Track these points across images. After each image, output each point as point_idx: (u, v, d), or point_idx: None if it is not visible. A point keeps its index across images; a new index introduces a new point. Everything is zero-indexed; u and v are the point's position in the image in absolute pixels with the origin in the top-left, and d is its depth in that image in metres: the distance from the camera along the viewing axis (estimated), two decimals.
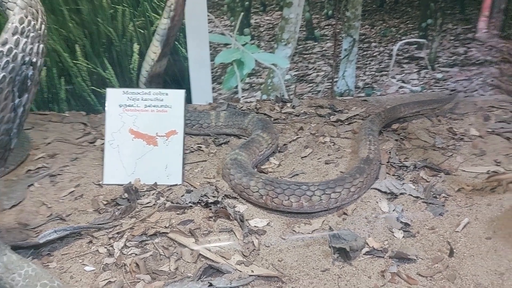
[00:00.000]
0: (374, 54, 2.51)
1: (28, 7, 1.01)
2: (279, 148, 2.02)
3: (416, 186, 1.66)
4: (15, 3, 0.99)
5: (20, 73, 1.02)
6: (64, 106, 2.42)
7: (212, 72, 2.44)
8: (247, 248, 1.40)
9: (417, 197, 1.60)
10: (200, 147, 2.06)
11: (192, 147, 2.06)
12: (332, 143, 2.04)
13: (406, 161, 1.83)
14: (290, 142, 2.08)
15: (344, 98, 2.59)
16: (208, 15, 2.30)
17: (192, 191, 1.66)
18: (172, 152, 1.74)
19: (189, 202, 1.59)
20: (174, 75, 2.44)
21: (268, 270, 1.31)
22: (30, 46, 1.02)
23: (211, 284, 1.22)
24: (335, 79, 2.55)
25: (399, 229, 1.45)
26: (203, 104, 2.49)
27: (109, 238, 1.41)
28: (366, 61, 2.52)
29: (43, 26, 1.05)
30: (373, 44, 2.49)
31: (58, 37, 2.27)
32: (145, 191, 1.68)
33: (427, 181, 1.69)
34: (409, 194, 1.61)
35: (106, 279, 1.27)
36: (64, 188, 1.73)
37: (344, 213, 1.54)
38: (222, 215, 1.53)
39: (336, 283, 1.26)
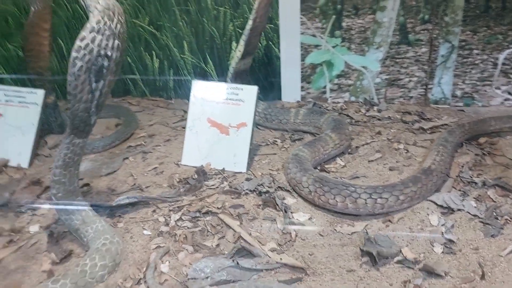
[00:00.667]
0: (476, 62, 2.35)
1: (106, 10, 1.26)
2: (349, 150, 2.05)
3: (479, 205, 1.57)
4: (95, 7, 1.25)
5: (96, 63, 1.27)
6: (171, 94, 2.76)
7: (302, 72, 2.54)
8: (284, 238, 1.50)
9: (474, 215, 1.52)
10: (276, 141, 2.19)
11: (268, 140, 2.20)
12: (406, 151, 2.00)
13: (477, 177, 1.72)
14: (363, 145, 2.09)
15: (439, 106, 2.47)
16: (301, 18, 2.41)
17: (251, 179, 1.81)
18: (241, 143, 1.90)
19: (246, 189, 1.74)
20: (266, 72, 2.60)
21: (296, 261, 1.39)
22: (106, 42, 1.27)
23: (237, 263, 1.36)
24: (429, 86, 2.45)
25: (441, 244, 1.41)
26: (292, 102, 2.61)
27: (169, 210, 1.64)
28: (466, 69, 2.37)
29: (118, 26, 1.29)
30: (475, 51, 2.33)
31: (170, 34, 2.60)
32: (213, 174, 1.88)
33: (494, 201, 1.58)
34: (467, 212, 1.53)
35: (157, 244, 1.48)
36: (151, 164, 2.01)
37: (389, 220, 1.54)
38: (270, 205, 1.64)
39: (356, 284, 1.30)
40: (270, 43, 2.52)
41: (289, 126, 2.27)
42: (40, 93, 2.10)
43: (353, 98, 2.57)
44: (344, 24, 2.41)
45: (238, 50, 2.11)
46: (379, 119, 2.34)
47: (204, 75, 2.66)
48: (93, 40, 1.24)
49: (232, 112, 1.93)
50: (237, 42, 2.53)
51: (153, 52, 2.66)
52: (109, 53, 1.28)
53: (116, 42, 1.29)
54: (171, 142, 2.24)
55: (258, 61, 2.57)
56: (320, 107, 2.52)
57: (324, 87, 2.57)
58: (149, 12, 2.57)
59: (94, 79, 1.29)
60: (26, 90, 2.11)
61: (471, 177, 1.73)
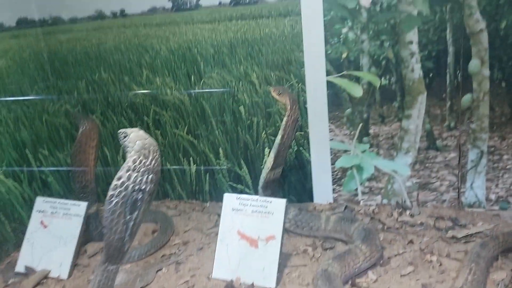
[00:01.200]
0: (508, 167, 2.33)
1: (142, 149, 1.40)
2: (381, 261, 2.03)
3: None
4: (133, 148, 1.39)
5: (131, 198, 1.39)
6: (207, 197, 2.87)
7: (332, 175, 2.60)
8: None
9: None
10: (307, 249, 2.20)
11: (299, 248, 2.22)
12: (439, 264, 1.95)
13: None
14: (395, 255, 2.07)
15: (474, 209, 2.43)
16: (329, 126, 2.51)
17: None
18: (270, 256, 1.93)
19: None
20: (298, 176, 2.68)
21: None
22: (140, 177, 1.39)
23: None
24: (462, 190, 2.43)
25: None
26: (324, 204, 2.65)
27: None
28: (498, 173, 2.35)
29: (153, 161, 1.42)
30: (505, 156, 2.32)
31: (206, 142, 2.76)
32: None
33: None
34: None
35: None
36: (183, 276, 2.06)
37: None
38: None
39: None
40: (301, 148, 2.62)
41: (320, 233, 2.29)
42: (83, 206, 2.25)
43: (385, 201, 2.58)
44: (371, 131, 2.49)
45: (268, 161, 2.21)
46: (411, 225, 2.32)
47: (238, 179, 2.77)
48: (129, 178, 1.37)
49: (261, 224, 1.99)
50: (270, 147, 2.65)
51: (191, 158, 2.82)
52: (143, 187, 1.40)
53: (151, 176, 1.42)
54: (204, 250, 2.29)
55: (290, 165, 2.67)
56: (352, 211, 2.54)
57: (356, 189, 2.60)
58: (187, 122, 2.76)
59: (128, 211, 1.40)
60: (70, 203, 2.27)
61: None
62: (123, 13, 2.68)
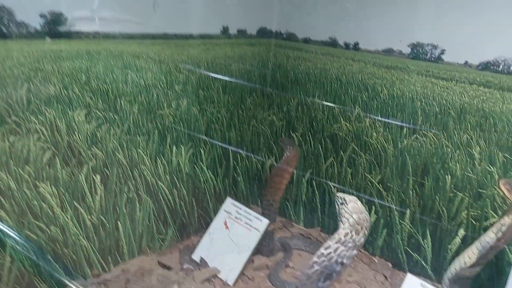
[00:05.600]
0: None
1: (356, 224, 1.33)
2: None
3: None
4: (347, 220, 1.33)
5: (330, 268, 1.34)
6: (377, 251, 2.71)
7: None
8: None
9: None
10: None
11: None
12: None
13: None
14: None
15: None
16: None
17: None
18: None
19: None
20: (491, 275, 2.33)
21: None
22: (345, 252, 1.33)
23: None
24: None
25: None
26: None
27: None
28: None
29: (362, 239, 1.34)
30: None
31: (395, 197, 2.59)
32: None
33: None
34: None
35: None
36: None
37: None
38: None
39: None
40: (506, 247, 2.26)
41: None
42: (264, 222, 2.32)
43: None
44: None
45: (467, 256, 1.95)
46: None
47: (418, 248, 2.54)
48: (335, 250, 1.32)
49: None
50: (466, 229, 2.36)
51: (373, 207, 2.68)
52: (344, 261, 1.33)
53: (354, 252, 1.34)
54: None
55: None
56: None
57: None
58: (384, 172, 2.62)
59: (323, 280, 1.35)
60: (254, 215, 2.36)
61: None
62: (356, 46, 2.65)
